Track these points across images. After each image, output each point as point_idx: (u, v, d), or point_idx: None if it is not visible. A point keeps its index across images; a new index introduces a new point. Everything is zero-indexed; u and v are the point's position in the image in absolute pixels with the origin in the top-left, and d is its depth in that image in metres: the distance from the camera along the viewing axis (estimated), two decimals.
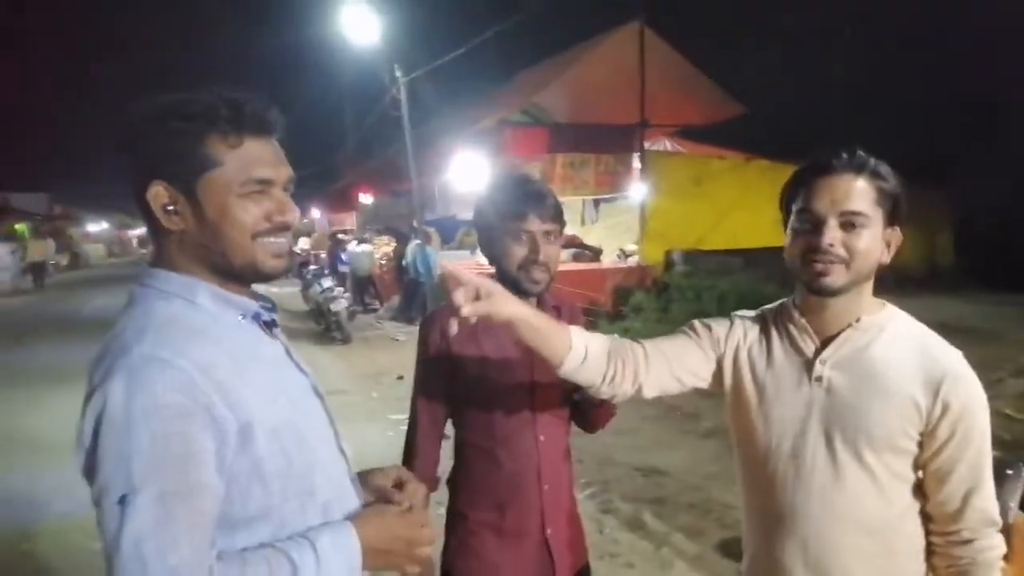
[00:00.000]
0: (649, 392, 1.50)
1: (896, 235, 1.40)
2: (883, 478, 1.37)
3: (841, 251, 1.34)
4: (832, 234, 1.34)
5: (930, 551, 1.42)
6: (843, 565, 1.40)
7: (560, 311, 1.88)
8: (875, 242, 1.36)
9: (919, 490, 1.41)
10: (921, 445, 1.37)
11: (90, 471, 1.01)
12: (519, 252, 1.74)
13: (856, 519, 1.39)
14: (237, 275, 1.16)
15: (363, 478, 1.32)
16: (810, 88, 13.67)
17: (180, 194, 1.10)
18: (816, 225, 1.36)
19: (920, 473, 1.40)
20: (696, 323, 1.58)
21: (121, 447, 0.98)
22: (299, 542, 1.09)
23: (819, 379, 1.41)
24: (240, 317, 1.17)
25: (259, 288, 1.25)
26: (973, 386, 1.37)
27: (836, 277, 1.35)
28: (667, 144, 12.89)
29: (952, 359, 1.38)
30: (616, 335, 1.53)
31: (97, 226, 43.71)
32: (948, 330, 1.43)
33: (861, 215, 1.34)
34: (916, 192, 1.41)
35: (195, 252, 1.13)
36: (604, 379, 1.46)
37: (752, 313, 1.58)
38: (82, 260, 30.34)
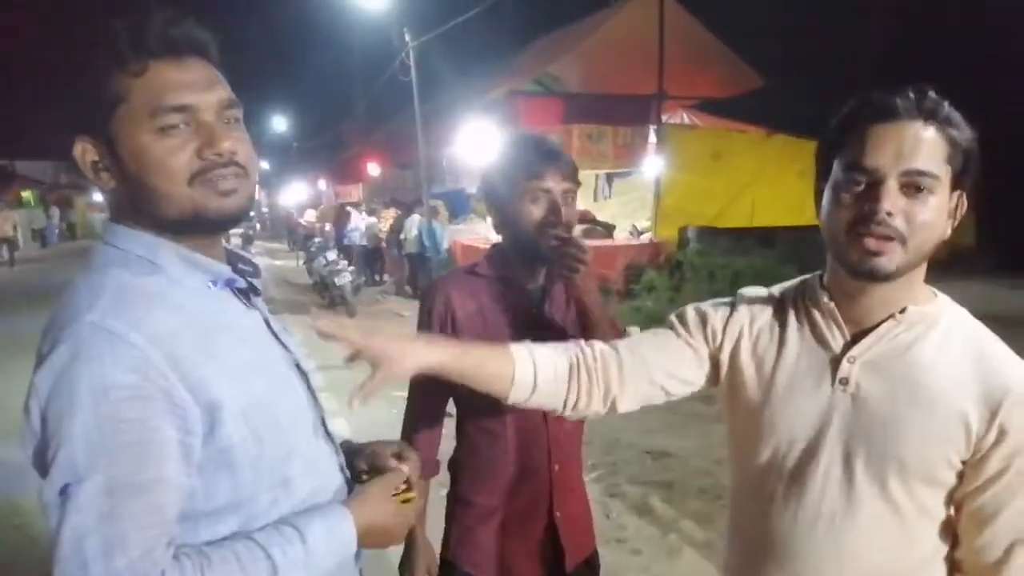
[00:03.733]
0: (624, 408, 1.26)
1: (963, 203, 1.09)
2: (909, 514, 1.10)
3: (900, 223, 1.03)
4: (892, 199, 1.03)
5: None
6: None
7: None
8: (940, 213, 1.06)
9: (948, 530, 1.13)
10: (962, 476, 1.09)
11: (41, 461, 0.88)
12: (537, 213, 1.60)
13: (868, 562, 1.12)
14: (184, 229, 1.00)
15: (361, 450, 1.23)
16: (834, 63, 13.34)
17: (103, 146, 0.97)
18: (872, 186, 1.04)
19: (952, 509, 1.12)
20: (689, 312, 1.29)
21: (64, 430, 0.85)
22: (283, 532, 0.97)
23: (844, 381, 1.12)
24: (210, 283, 1.03)
25: (258, 260, 1.10)
26: None
27: (891, 258, 1.04)
28: (684, 117, 12.63)
29: (1019, 371, 1.08)
30: (583, 342, 1.29)
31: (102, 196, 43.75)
32: (973, 316, 1.18)
33: (929, 176, 1.03)
34: None
35: (134, 211, 0.99)
36: (565, 404, 1.25)
37: (765, 291, 1.28)
38: (85, 229, 30.32)
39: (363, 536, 1.05)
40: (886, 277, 1.06)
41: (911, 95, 1.05)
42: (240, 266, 1.10)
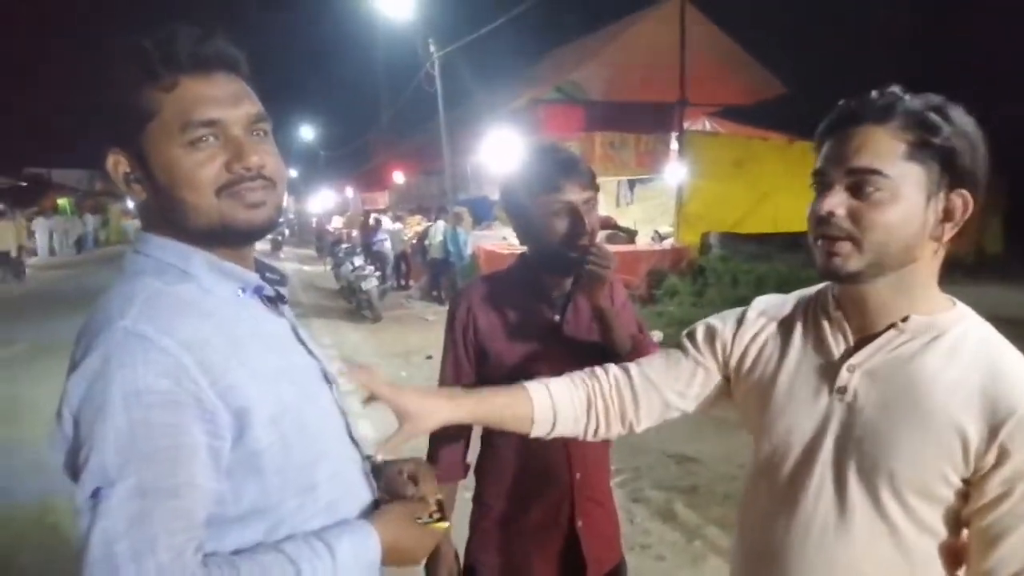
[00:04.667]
0: (641, 428, 1.32)
1: (961, 202, 1.04)
2: (906, 530, 1.05)
3: (846, 223, 1.03)
4: (833, 199, 1.03)
5: None
6: None
7: None
8: (906, 214, 1.02)
9: (954, 551, 1.07)
10: (966, 496, 1.03)
11: (72, 466, 0.89)
12: (561, 227, 1.60)
13: None
14: (213, 240, 1.01)
15: (379, 471, 1.21)
16: (857, 68, 13.23)
17: (135, 159, 0.98)
18: (822, 190, 1.06)
19: (961, 530, 1.07)
20: (699, 329, 1.31)
21: (96, 434, 0.86)
22: (313, 546, 0.97)
23: (842, 390, 1.10)
24: (240, 291, 1.04)
25: (287, 266, 1.12)
26: None
27: (845, 259, 1.04)
28: (706, 124, 12.60)
29: None
30: (598, 369, 1.34)
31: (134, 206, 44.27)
32: (997, 322, 1.14)
33: (875, 175, 1.01)
34: None
35: (164, 221, 1.00)
36: (586, 432, 1.31)
37: (780, 299, 1.28)
38: (118, 235, 30.81)
39: (387, 554, 1.05)
40: (848, 278, 1.06)
41: (869, 97, 1.05)
42: (268, 275, 1.11)
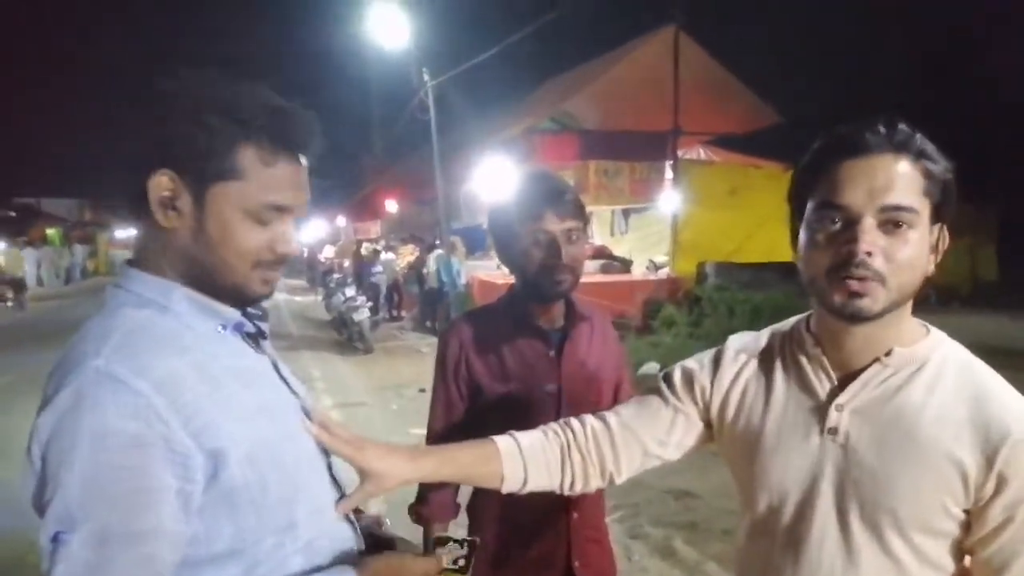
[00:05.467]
0: (622, 480, 1.28)
1: (944, 236, 1.06)
2: (911, 566, 1.04)
3: (880, 263, 0.99)
4: (871, 238, 0.99)
5: None
6: None
7: (592, 322, 1.74)
8: (922, 249, 1.02)
9: None
10: (967, 526, 1.03)
11: (39, 504, 0.88)
12: (538, 256, 1.58)
13: None
14: (219, 293, 1.03)
15: (358, 516, 1.20)
16: (850, 97, 13.38)
17: (186, 191, 0.97)
18: (848, 225, 1.01)
19: (965, 560, 1.06)
20: (676, 374, 1.27)
21: (61, 475, 0.85)
22: None
23: (833, 430, 1.08)
24: (220, 327, 1.03)
25: (277, 296, 1.08)
26: None
27: (874, 299, 1.00)
28: (701, 153, 12.68)
29: (1018, 413, 1.01)
30: (573, 420, 1.30)
31: (125, 232, 44.42)
32: (991, 351, 1.13)
33: (907, 210, 0.99)
34: (958, 204, 1.06)
35: (179, 256, 1.00)
36: (562, 486, 1.27)
37: (752, 336, 1.25)
38: (106, 266, 30.67)
39: None
40: (871, 318, 1.02)
41: (881, 128, 1.02)
42: (249, 310, 1.11)
